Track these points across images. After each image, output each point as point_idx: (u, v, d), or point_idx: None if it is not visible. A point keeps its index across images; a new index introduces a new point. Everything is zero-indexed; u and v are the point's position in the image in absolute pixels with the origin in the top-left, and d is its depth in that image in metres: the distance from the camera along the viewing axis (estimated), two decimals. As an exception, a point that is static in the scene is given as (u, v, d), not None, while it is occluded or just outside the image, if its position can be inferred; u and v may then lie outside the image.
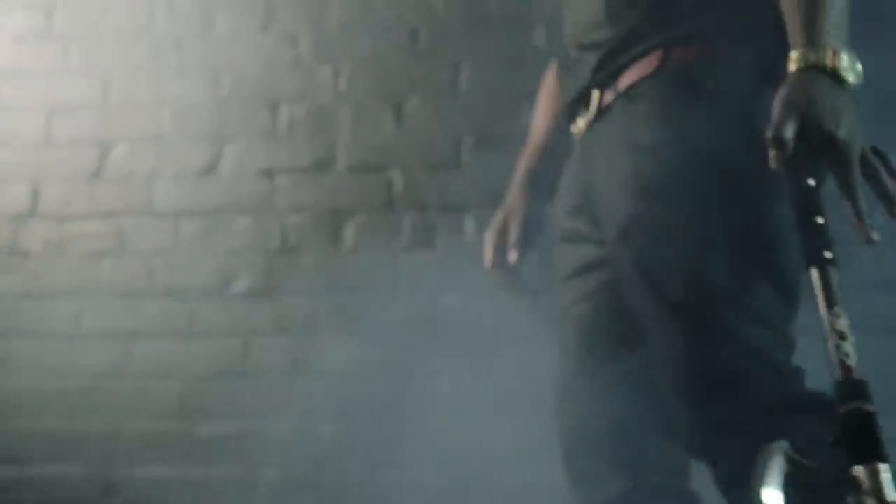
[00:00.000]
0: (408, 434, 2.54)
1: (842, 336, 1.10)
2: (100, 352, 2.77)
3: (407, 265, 2.68)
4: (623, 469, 1.47)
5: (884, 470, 1.04)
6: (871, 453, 1.03)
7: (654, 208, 1.36)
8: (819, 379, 1.30)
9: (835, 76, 1.23)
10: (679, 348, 1.34)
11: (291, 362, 2.69)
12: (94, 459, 2.72)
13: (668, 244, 1.35)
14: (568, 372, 1.55)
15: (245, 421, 2.68)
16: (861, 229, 1.19)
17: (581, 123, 1.53)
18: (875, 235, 1.20)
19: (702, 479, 1.41)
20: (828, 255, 1.15)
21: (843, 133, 1.19)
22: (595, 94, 1.49)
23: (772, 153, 1.19)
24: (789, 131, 1.19)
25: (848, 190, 1.20)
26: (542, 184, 1.70)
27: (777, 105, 1.21)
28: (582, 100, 1.52)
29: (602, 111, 1.48)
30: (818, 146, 1.20)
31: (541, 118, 1.76)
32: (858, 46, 1.26)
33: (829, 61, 1.23)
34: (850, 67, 1.24)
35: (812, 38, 1.24)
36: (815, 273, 1.15)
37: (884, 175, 1.23)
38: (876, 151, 1.24)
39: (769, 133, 1.19)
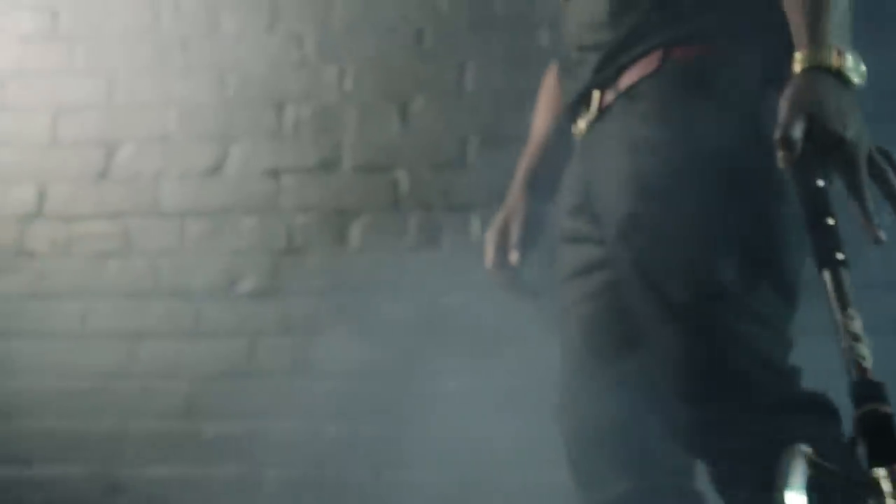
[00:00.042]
0: (411, 434, 2.54)
1: (856, 338, 1.09)
2: (105, 352, 2.77)
3: (412, 265, 2.68)
4: (626, 469, 1.47)
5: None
6: (891, 455, 1.02)
7: (654, 208, 1.37)
8: (819, 379, 1.31)
9: (840, 76, 1.22)
10: (679, 348, 1.34)
11: (297, 362, 2.70)
12: (100, 459, 2.72)
13: (667, 244, 1.35)
14: (569, 372, 1.55)
15: (250, 421, 2.68)
16: (868, 229, 1.19)
17: (582, 124, 1.53)
18: (882, 235, 1.19)
19: (703, 479, 1.41)
20: (840, 256, 1.14)
21: (850, 133, 1.19)
22: (596, 94, 1.49)
23: (780, 154, 1.18)
24: (797, 132, 1.18)
25: (855, 190, 1.19)
26: (542, 184, 1.69)
27: (784, 106, 1.21)
28: (583, 100, 1.52)
29: (603, 111, 1.48)
30: (825, 147, 1.19)
31: (541, 119, 1.76)
32: (859, 46, 1.26)
33: (834, 61, 1.22)
34: (854, 68, 1.23)
35: (817, 39, 1.24)
36: (827, 275, 1.14)
37: (890, 175, 1.23)
38: (881, 152, 1.24)
39: (777, 134, 1.19)
